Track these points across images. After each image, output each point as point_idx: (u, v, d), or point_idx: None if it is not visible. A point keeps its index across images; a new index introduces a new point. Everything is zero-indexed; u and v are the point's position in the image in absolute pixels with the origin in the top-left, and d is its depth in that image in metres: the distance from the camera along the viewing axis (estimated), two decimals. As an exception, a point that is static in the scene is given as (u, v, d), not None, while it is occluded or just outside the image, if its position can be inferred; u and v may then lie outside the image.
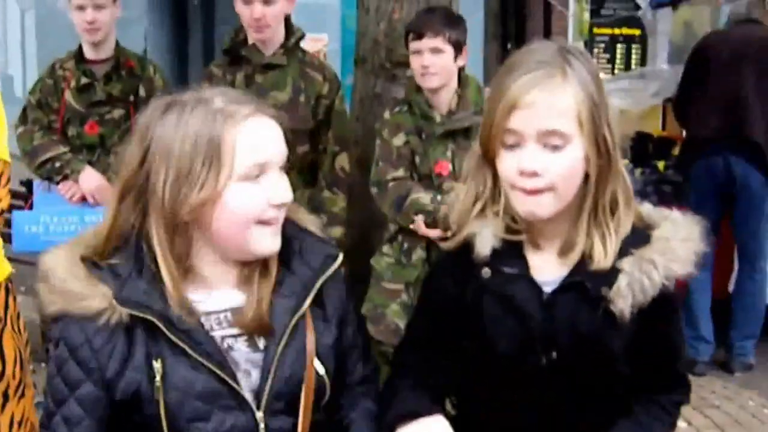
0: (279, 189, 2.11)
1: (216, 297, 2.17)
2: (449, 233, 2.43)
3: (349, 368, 2.41)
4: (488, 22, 12.11)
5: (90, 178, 5.02)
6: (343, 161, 4.69)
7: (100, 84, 5.15)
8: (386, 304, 4.54)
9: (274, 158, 2.11)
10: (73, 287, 2.07)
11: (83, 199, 5.05)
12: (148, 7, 14.80)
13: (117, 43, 5.26)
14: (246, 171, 2.06)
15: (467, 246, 2.33)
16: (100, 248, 2.13)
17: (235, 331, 2.17)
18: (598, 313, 2.23)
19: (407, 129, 4.56)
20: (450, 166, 4.46)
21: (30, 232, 4.98)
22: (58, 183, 5.08)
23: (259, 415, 2.14)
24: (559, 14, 13.02)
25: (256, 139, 2.08)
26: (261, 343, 2.19)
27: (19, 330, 3.75)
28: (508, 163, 2.19)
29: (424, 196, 4.43)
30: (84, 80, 5.14)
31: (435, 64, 4.41)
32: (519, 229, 2.30)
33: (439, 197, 4.39)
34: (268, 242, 2.12)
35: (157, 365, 2.06)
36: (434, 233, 4.32)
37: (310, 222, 2.36)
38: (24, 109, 5.29)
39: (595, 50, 13.74)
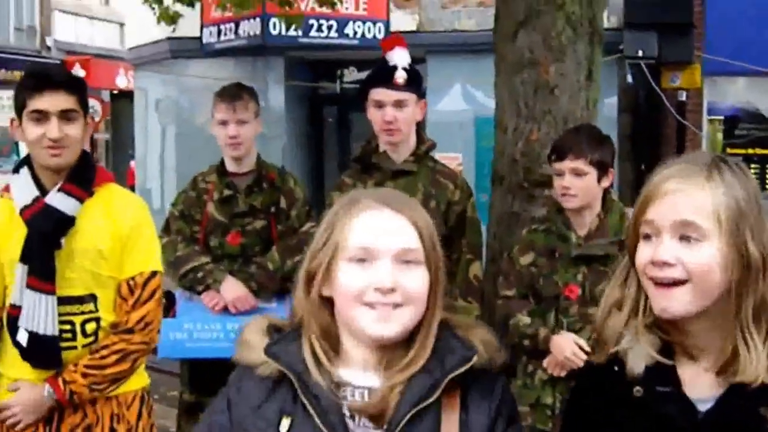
0: (381, 274, 2.17)
1: (357, 374, 2.24)
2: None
3: None
4: (621, 143, 12.09)
5: (232, 288, 5.10)
6: (476, 270, 4.68)
7: (242, 196, 5.23)
8: None
9: (384, 246, 2.19)
10: (249, 339, 2.29)
11: (225, 308, 5.11)
12: (287, 124, 15.11)
13: (258, 156, 5.37)
14: (353, 253, 2.19)
15: (613, 360, 2.26)
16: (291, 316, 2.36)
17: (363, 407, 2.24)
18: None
19: (538, 249, 4.51)
20: (579, 291, 4.39)
21: (174, 339, 5.04)
22: (200, 293, 5.16)
23: None
24: (692, 135, 12.95)
25: (366, 227, 2.21)
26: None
27: None
28: (643, 255, 2.15)
29: (524, 319, 4.44)
30: (226, 192, 5.24)
31: (575, 185, 4.34)
32: (670, 342, 2.22)
33: (553, 320, 4.43)
34: (373, 326, 2.18)
35: (285, 422, 2.18)
36: (558, 371, 4.37)
37: (476, 334, 2.32)
38: (167, 221, 5.41)
39: (729, 170, 13.62)
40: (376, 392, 2.19)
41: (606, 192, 4.47)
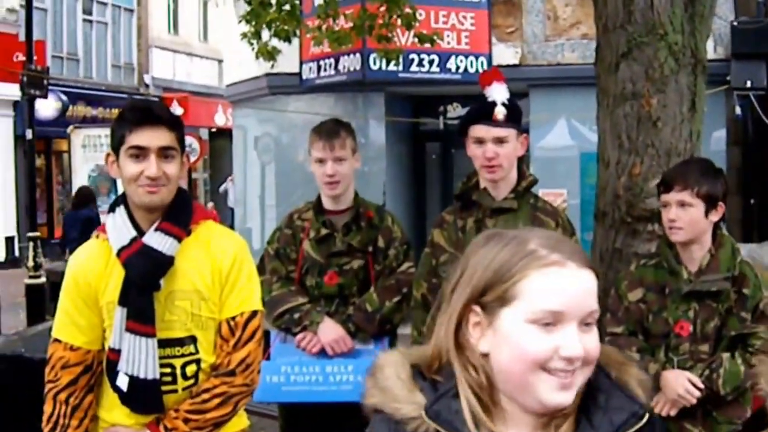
0: (570, 342, 2.01)
1: None
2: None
3: None
4: (730, 176, 11.83)
5: (329, 330, 5.01)
6: None
7: (339, 235, 5.14)
8: None
9: (573, 311, 2.02)
10: (393, 387, 2.10)
11: (321, 350, 5.02)
12: (388, 161, 15.08)
13: (356, 194, 5.27)
14: (537, 315, 2.01)
15: None
16: (428, 361, 2.16)
17: None
18: None
19: (648, 284, 4.42)
20: (691, 328, 4.28)
21: (271, 382, 4.97)
22: (296, 334, 5.08)
23: None
24: (805, 168, 12.67)
25: (555, 288, 2.03)
26: None
27: None
28: None
29: (633, 356, 4.31)
30: (324, 231, 5.14)
31: (681, 218, 4.26)
32: None
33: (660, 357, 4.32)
34: (552, 394, 2.03)
35: None
36: (667, 410, 4.26)
37: (631, 374, 2.21)
38: (261, 259, 5.31)
39: None
40: None
41: (716, 227, 4.36)
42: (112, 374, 3.58)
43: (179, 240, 3.57)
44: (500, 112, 4.48)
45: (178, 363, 3.60)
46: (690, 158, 5.02)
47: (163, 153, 3.51)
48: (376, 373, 2.14)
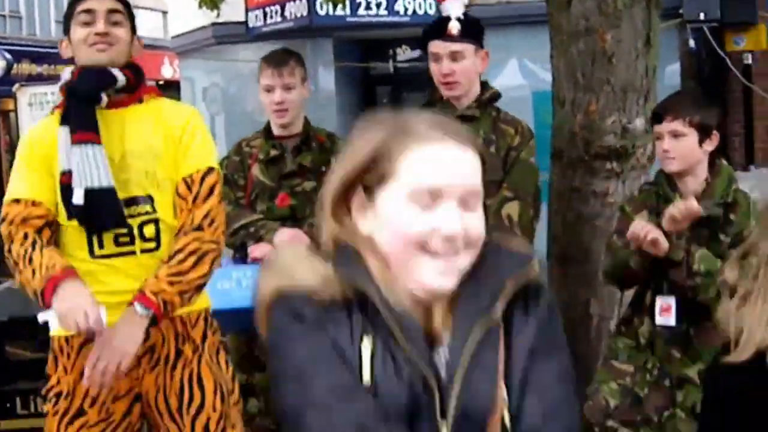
0: (449, 220, 1.93)
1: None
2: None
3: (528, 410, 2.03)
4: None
5: (285, 232, 4.88)
6: (511, 209, 4.46)
7: (290, 156, 5.09)
8: (605, 381, 4.34)
9: (451, 188, 1.95)
10: (293, 264, 2.03)
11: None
12: (338, 107, 15.11)
13: (306, 120, 5.22)
14: (415, 193, 1.94)
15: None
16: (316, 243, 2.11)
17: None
18: None
19: (650, 207, 4.37)
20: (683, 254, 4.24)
21: (222, 288, 4.75)
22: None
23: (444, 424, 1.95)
24: (760, 99, 12.65)
25: (432, 164, 1.96)
26: (444, 353, 2.00)
27: (218, 363, 3.80)
28: None
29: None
30: (273, 152, 5.09)
31: (674, 148, 4.22)
32: None
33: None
34: (434, 278, 1.95)
35: (366, 342, 1.96)
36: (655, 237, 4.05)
37: (513, 242, 2.14)
38: None
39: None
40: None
41: (713, 156, 4.31)
42: (68, 196, 3.54)
43: (129, 80, 3.65)
44: (454, 27, 4.51)
45: (134, 223, 3.60)
46: (682, 90, 4.96)
47: (111, 18, 3.62)
48: (271, 262, 2.08)
